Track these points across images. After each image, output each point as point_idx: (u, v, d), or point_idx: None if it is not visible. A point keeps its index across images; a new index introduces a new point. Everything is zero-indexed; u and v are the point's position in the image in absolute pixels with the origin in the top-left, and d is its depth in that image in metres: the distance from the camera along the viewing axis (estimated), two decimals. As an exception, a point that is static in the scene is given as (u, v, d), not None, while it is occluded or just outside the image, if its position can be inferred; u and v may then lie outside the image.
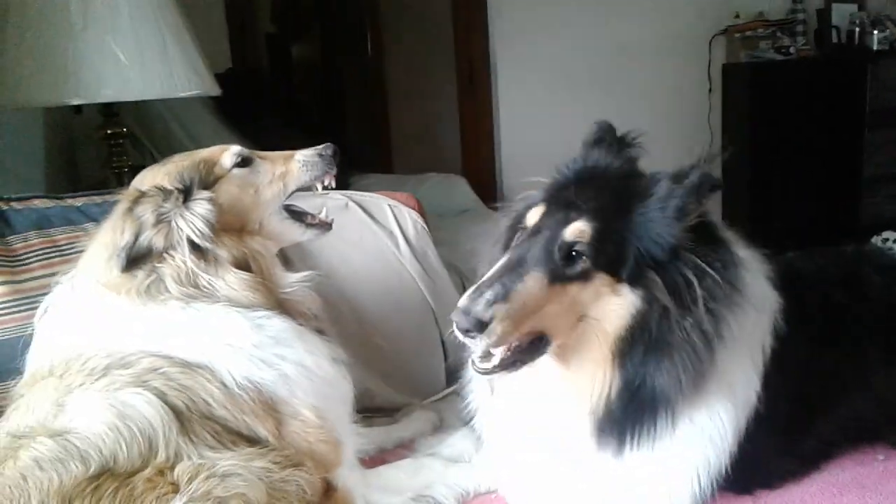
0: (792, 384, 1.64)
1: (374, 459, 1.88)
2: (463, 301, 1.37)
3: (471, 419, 1.88)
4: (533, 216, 1.52)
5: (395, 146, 6.62)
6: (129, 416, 1.41)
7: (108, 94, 2.56)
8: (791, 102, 5.08)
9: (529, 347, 1.45)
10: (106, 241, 1.59)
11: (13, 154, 2.95)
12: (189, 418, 1.46)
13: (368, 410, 2.14)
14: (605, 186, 1.53)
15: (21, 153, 3.04)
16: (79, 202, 2.02)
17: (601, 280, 1.43)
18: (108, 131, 2.84)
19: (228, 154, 1.72)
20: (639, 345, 1.43)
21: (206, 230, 1.58)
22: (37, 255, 1.89)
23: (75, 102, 2.59)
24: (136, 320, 1.53)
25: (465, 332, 1.35)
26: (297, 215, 1.82)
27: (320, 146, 1.83)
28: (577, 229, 1.43)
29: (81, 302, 1.58)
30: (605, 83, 5.27)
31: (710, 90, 5.51)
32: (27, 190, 2.12)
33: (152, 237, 1.55)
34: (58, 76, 2.50)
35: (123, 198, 1.60)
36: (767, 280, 1.63)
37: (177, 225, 1.56)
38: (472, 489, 1.77)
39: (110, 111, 2.83)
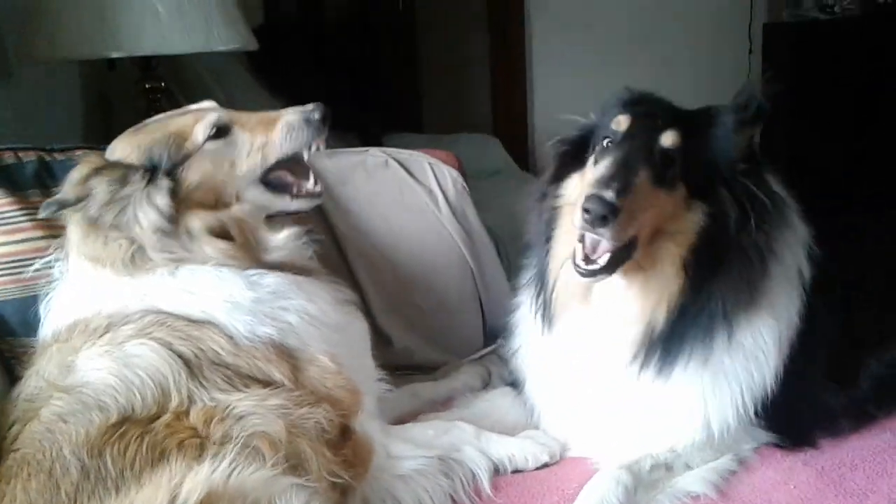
0: (838, 314, 1.72)
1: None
2: (595, 190, 1.41)
3: (512, 378, 1.90)
4: (622, 122, 1.58)
5: (426, 106, 6.55)
6: (135, 364, 1.44)
7: (147, 48, 2.54)
8: (834, 63, 4.93)
9: (623, 250, 1.49)
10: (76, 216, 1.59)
11: (50, 108, 2.94)
12: (198, 365, 1.49)
13: (407, 368, 2.16)
14: (673, 109, 1.63)
15: (58, 108, 3.04)
16: (121, 154, 2.00)
17: (681, 192, 1.53)
18: (147, 85, 2.81)
19: (202, 126, 1.63)
20: (707, 259, 1.52)
21: (162, 222, 1.55)
22: (80, 207, 1.88)
23: (115, 55, 2.57)
24: (126, 288, 1.55)
25: (601, 218, 1.39)
26: (277, 188, 1.72)
27: (309, 107, 1.69)
28: (672, 136, 1.53)
29: (73, 273, 1.60)
30: (643, 40, 5.16)
31: (750, 51, 5.37)
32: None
33: (102, 211, 1.55)
34: (96, 29, 2.47)
35: (84, 163, 1.59)
36: (797, 212, 1.69)
37: (133, 212, 1.55)
38: (507, 459, 1.71)
39: (148, 65, 2.81)
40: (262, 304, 1.58)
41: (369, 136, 4.10)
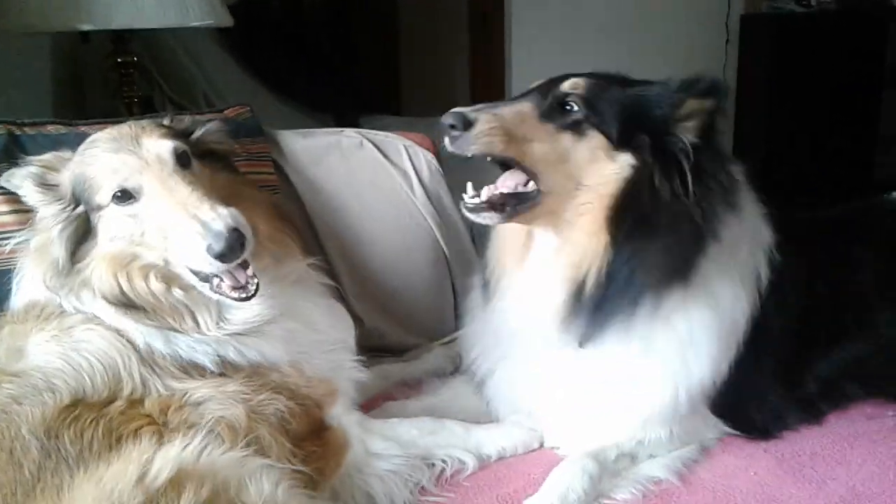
0: (791, 319, 1.68)
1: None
2: (454, 109, 1.48)
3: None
4: (533, 84, 1.62)
5: (404, 89, 6.52)
6: (84, 349, 1.43)
7: (120, 21, 2.51)
8: (810, 56, 4.99)
9: (519, 195, 1.53)
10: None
11: (20, 82, 2.90)
12: (148, 352, 1.47)
13: (377, 350, 2.16)
14: (607, 75, 1.62)
15: (28, 81, 2.99)
16: (92, 129, 1.96)
17: (596, 140, 1.52)
18: (119, 60, 2.78)
19: (108, 185, 1.46)
20: (630, 216, 1.49)
21: (58, 264, 1.48)
22: (50, 183, 1.84)
23: (86, 28, 2.55)
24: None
25: (451, 127, 1.47)
26: (198, 273, 1.48)
27: (217, 226, 1.37)
28: (573, 82, 1.55)
29: (32, 255, 1.57)
30: (620, 30, 5.17)
31: (727, 41, 5.40)
32: (34, 118, 2.06)
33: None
34: (67, 1, 2.44)
35: (38, 163, 1.57)
36: (762, 216, 1.68)
37: (50, 235, 1.50)
38: (497, 454, 1.70)
39: (120, 39, 2.78)
40: (200, 343, 1.50)
41: (345, 117, 4.08)
